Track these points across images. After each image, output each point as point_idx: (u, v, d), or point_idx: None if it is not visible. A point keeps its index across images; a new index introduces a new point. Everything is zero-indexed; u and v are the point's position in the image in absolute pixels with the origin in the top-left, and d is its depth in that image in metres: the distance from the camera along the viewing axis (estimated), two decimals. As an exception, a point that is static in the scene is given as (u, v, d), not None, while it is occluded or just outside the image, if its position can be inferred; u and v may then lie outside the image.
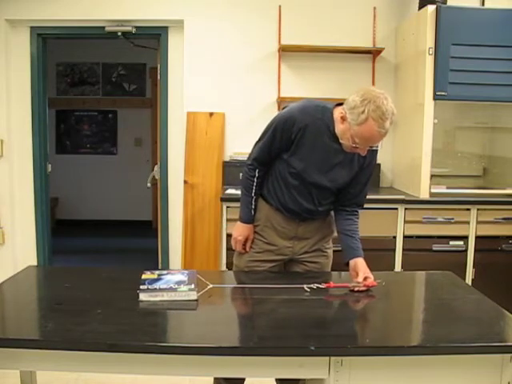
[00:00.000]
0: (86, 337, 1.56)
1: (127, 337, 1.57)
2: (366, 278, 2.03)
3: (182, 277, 1.98)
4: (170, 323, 1.84)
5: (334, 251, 2.42)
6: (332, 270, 2.40)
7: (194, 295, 1.86)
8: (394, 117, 1.95)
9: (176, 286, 1.88)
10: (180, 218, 3.91)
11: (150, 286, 1.88)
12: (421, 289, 2.35)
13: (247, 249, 2.32)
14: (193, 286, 1.89)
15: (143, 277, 1.98)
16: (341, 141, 2.08)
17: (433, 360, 1.59)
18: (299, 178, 2.18)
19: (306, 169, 2.15)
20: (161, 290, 1.86)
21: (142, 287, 1.88)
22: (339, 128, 2.07)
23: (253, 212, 2.30)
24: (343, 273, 2.34)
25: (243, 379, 2.26)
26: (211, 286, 1.98)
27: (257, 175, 2.26)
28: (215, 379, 2.34)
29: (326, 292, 2.00)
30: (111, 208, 7.13)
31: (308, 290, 1.99)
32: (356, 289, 2.00)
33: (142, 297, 1.84)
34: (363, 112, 1.91)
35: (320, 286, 2.01)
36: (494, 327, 1.73)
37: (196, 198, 3.84)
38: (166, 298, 1.85)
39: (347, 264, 2.17)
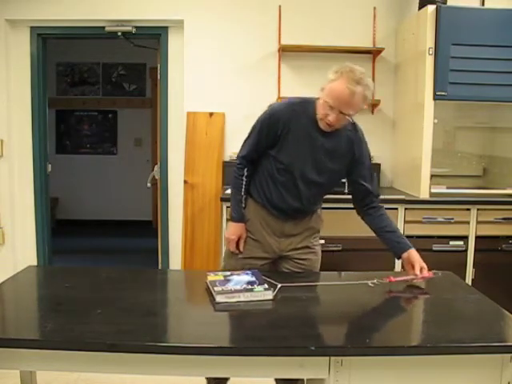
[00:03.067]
0: (86, 337, 1.56)
1: (127, 337, 1.57)
2: (421, 270, 2.08)
3: (249, 277, 1.99)
4: (171, 323, 1.84)
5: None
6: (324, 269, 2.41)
7: (269, 295, 1.87)
8: (369, 91, 2.03)
9: (250, 287, 1.89)
10: (180, 217, 3.91)
11: (224, 288, 1.87)
12: (421, 289, 2.34)
13: (241, 248, 2.32)
14: (266, 285, 1.91)
15: (210, 278, 1.98)
16: (318, 117, 2.11)
17: (433, 360, 1.59)
18: (287, 173, 2.20)
19: (294, 162, 2.18)
20: (237, 291, 1.86)
21: (216, 289, 1.87)
22: (318, 105, 2.12)
23: (243, 210, 2.33)
24: (343, 273, 2.36)
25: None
26: (280, 285, 1.98)
27: (245, 174, 2.30)
28: (206, 378, 2.35)
29: (389, 286, 2.03)
30: (111, 208, 7.13)
31: (372, 285, 2.02)
32: (414, 281, 2.06)
33: (219, 298, 1.83)
34: (337, 71, 2.02)
35: (382, 281, 2.04)
36: (494, 327, 1.73)
37: (196, 198, 3.84)
38: (242, 299, 1.84)
39: (399, 258, 2.20)
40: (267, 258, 2.33)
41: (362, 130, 2.27)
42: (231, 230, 2.33)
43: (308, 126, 2.15)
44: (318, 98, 2.15)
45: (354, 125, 2.23)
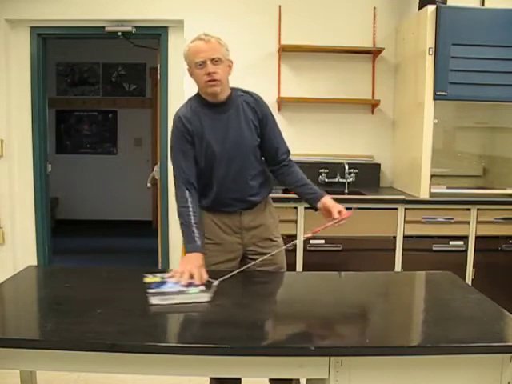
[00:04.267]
0: (86, 337, 1.56)
1: (127, 337, 1.57)
2: (340, 212, 2.12)
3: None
4: (170, 323, 1.84)
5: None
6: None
7: (205, 297, 1.86)
8: (220, 40, 2.21)
9: (185, 289, 1.87)
10: (180, 218, 3.90)
11: (159, 290, 1.86)
12: (421, 289, 2.35)
13: (205, 278, 1.97)
14: (203, 287, 1.89)
15: (147, 280, 1.96)
16: (202, 92, 2.21)
17: (433, 360, 1.59)
18: (212, 167, 2.21)
19: (211, 151, 2.20)
20: (172, 293, 1.85)
21: (151, 291, 1.86)
22: (197, 85, 2.22)
23: (199, 240, 2.10)
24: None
25: (239, 379, 2.26)
26: (217, 282, 1.94)
27: (189, 199, 2.15)
28: (211, 379, 2.34)
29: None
30: (111, 208, 7.13)
31: (292, 246, 2.08)
32: (336, 225, 2.10)
33: (154, 300, 1.82)
34: (187, 44, 2.20)
35: (309, 234, 2.11)
36: (494, 327, 1.72)
37: (196, 197, 3.84)
38: (177, 301, 1.83)
39: (316, 210, 2.24)
40: (233, 258, 2.29)
41: (259, 95, 2.32)
42: (187, 263, 2.00)
43: (205, 113, 2.21)
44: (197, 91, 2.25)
45: (246, 91, 2.29)
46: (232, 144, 2.21)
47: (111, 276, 2.22)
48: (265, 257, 2.20)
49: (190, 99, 2.30)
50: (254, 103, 2.27)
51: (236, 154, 2.22)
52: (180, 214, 2.16)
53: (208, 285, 1.93)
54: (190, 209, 2.14)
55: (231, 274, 2.03)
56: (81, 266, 2.54)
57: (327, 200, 2.20)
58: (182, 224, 2.15)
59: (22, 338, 1.57)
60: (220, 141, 2.21)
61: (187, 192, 2.17)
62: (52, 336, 1.59)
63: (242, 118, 2.23)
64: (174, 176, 2.22)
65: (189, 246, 2.09)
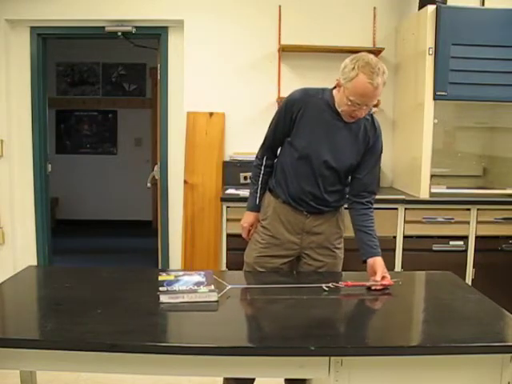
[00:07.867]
0: (86, 337, 1.56)
1: (127, 337, 1.57)
2: (383, 278, 2.05)
3: (200, 278, 1.97)
4: (170, 323, 1.84)
5: (349, 250, 2.40)
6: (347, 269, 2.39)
7: (214, 296, 1.86)
8: (386, 76, 2.03)
9: (196, 288, 1.88)
10: (180, 217, 3.91)
11: (169, 288, 1.87)
12: (421, 289, 2.35)
13: (249, 236, 2.42)
14: (212, 286, 1.89)
15: (160, 278, 1.97)
16: (339, 109, 2.14)
17: (433, 360, 1.59)
18: (303, 159, 2.20)
19: (309, 145, 2.19)
20: (181, 291, 1.85)
21: (161, 289, 1.86)
22: (337, 97, 2.14)
23: (257, 201, 2.38)
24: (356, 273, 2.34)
25: (253, 379, 2.26)
26: (230, 286, 1.97)
27: (264, 163, 2.36)
28: (225, 379, 2.33)
29: (344, 291, 2.00)
30: (111, 208, 7.12)
31: (326, 289, 1.98)
32: (373, 287, 2.02)
33: (163, 299, 1.83)
34: (353, 68, 2.02)
35: (338, 284, 2.01)
36: (494, 327, 1.72)
37: (196, 198, 3.84)
38: (186, 300, 1.84)
39: (364, 262, 2.17)
40: (286, 256, 2.31)
41: (379, 123, 2.28)
42: (244, 218, 2.43)
43: (325, 111, 2.18)
44: (333, 88, 2.18)
45: (371, 115, 2.25)
46: (329, 153, 2.19)
47: (111, 276, 2.22)
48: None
49: (319, 88, 2.24)
50: (372, 132, 2.23)
51: (327, 162, 2.20)
52: (253, 173, 2.42)
53: (222, 287, 1.94)
54: (261, 173, 2.37)
55: (252, 286, 2.07)
56: (81, 266, 2.54)
57: (379, 261, 2.13)
58: (250, 181, 2.44)
59: (22, 338, 1.57)
60: (319, 143, 2.19)
61: (265, 158, 2.37)
62: (52, 336, 1.59)
63: (354, 137, 2.20)
64: (264, 139, 2.38)
65: (247, 205, 2.43)
